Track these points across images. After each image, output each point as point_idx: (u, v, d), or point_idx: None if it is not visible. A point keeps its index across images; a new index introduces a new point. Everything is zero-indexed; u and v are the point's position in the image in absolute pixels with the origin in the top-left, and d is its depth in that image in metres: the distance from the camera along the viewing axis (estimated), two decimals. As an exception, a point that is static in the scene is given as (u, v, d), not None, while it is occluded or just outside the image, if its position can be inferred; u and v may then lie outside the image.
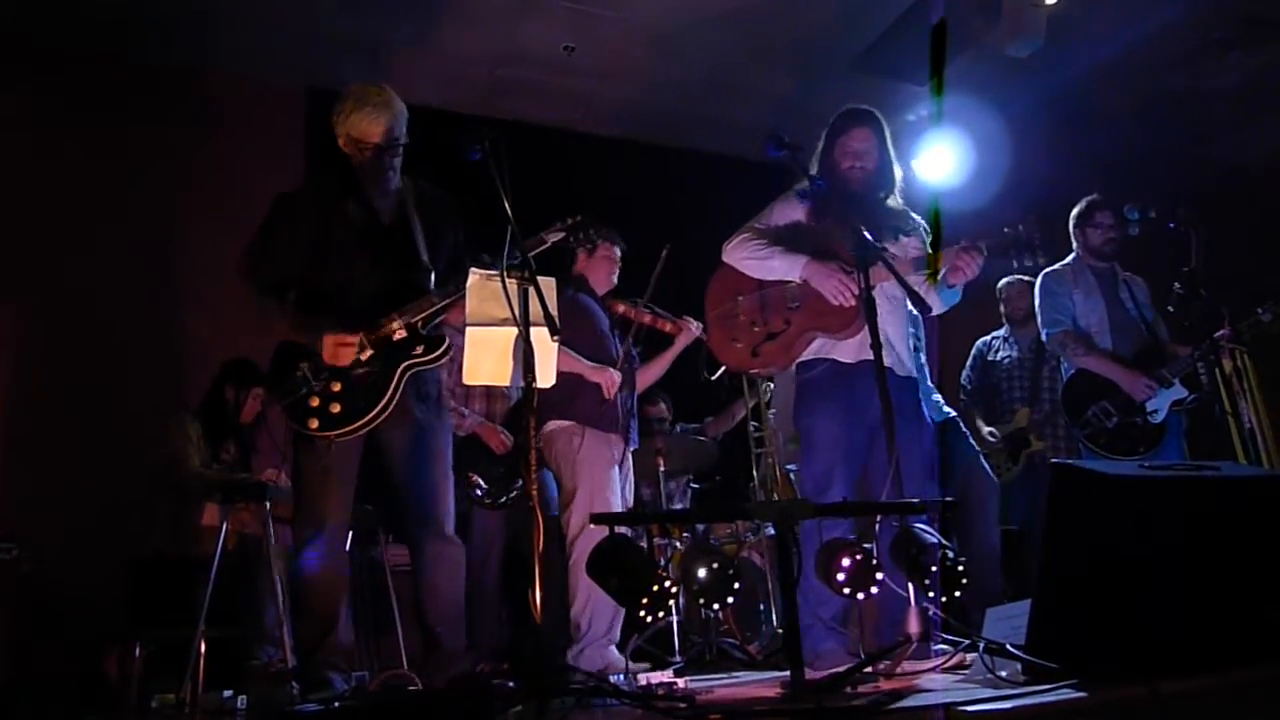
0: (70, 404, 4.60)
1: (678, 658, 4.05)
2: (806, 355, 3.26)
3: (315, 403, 2.92)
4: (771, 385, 4.85)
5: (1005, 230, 3.21)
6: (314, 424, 2.91)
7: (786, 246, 3.22)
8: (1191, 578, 2.38)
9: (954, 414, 4.04)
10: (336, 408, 2.92)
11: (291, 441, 3.04)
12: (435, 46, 5.34)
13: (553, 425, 3.59)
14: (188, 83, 5.21)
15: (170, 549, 3.85)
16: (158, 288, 4.88)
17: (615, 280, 4.00)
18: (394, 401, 2.95)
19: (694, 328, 3.92)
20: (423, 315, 2.99)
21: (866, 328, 2.87)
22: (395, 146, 3.07)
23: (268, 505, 3.62)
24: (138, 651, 3.65)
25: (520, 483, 4.38)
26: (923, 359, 3.74)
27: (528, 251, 2.82)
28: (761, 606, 4.35)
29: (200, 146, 5.18)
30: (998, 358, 4.81)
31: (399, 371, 2.98)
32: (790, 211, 3.28)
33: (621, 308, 4.03)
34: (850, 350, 3.13)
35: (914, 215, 3.41)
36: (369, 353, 2.96)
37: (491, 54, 5.45)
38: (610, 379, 3.70)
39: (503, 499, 4.26)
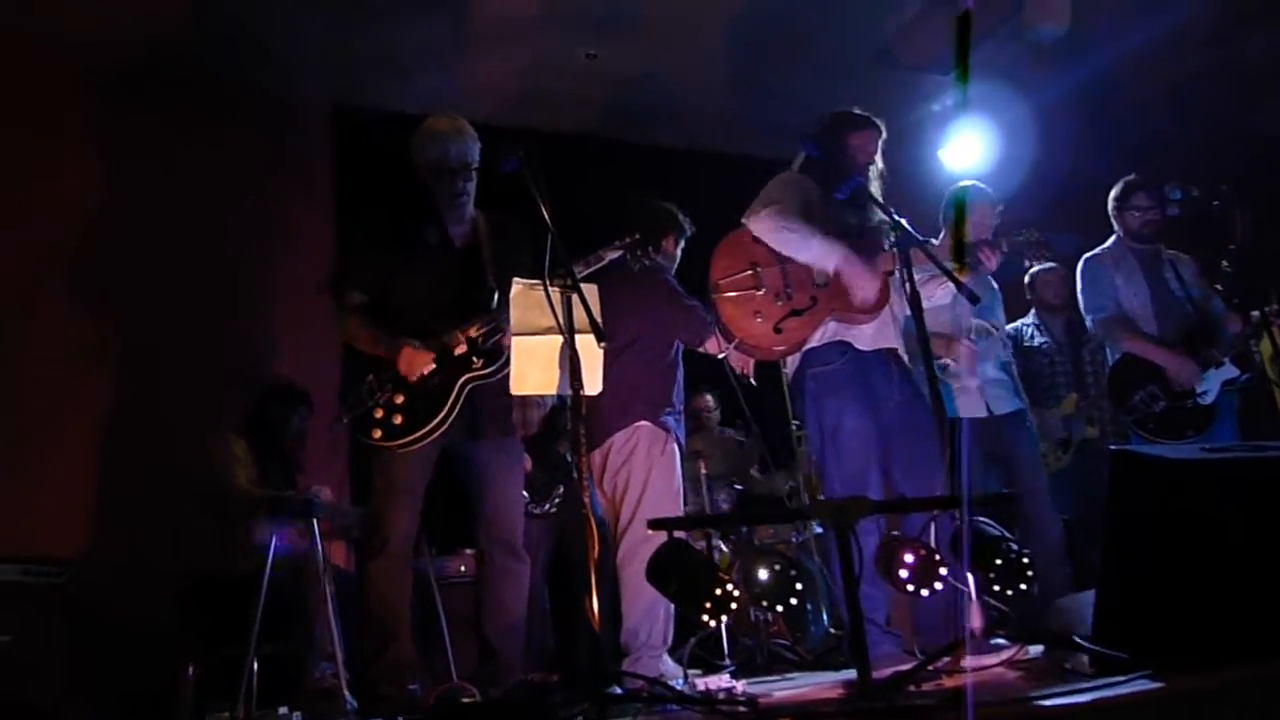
0: (117, 426, 4.64)
1: (729, 661, 4.02)
2: (816, 341, 3.16)
3: (379, 414, 3.03)
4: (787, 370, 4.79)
5: (1023, 234, 3.32)
6: (377, 434, 3.03)
7: (822, 230, 3.14)
8: (1258, 561, 2.33)
9: (1021, 406, 4.00)
10: (399, 419, 3.03)
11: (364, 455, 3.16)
12: (458, 60, 5.35)
13: (640, 424, 3.40)
14: (217, 99, 5.23)
15: (220, 568, 3.86)
16: (200, 306, 4.91)
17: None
18: (454, 414, 3.05)
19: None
20: (482, 331, 3.08)
21: (887, 315, 2.84)
22: (466, 170, 3.21)
23: (315, 521, 3.62)
24: (190, 671, 3.68)
25: (562, 490, 4.40)
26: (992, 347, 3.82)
27: (588, 268, 2.99)
28: (809, 607, 4.31)
29: (231, 164, 5.20)
30: (1035, 344, 4.75)
31: (459, 384, 3.07)
32: (804, 192, 3.22)
33: None
34: (866, 337, 3.08)
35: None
36: (431, 367, 3.07)
37: (515, 65, 5.45)
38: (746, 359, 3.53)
39: (545, 506, 4.28)
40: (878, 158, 3.34)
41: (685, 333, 3.55)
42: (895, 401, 3.08)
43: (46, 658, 3.62)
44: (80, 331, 4.73)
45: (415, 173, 3.31)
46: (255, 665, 3.46)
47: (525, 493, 4.04)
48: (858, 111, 3.38)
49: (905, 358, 3.29)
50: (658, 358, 3.51)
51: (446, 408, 3.04)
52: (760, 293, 3.15)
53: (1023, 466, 3.83)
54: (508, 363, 3.03)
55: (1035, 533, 3.71)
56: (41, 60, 4.85)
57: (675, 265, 3.82)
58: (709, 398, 5.32)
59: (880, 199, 3.22)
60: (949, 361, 3.83)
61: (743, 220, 3.25)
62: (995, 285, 4.03)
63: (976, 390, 3.85)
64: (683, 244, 3.84)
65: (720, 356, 3.47)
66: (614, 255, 3.16)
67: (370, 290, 3.20)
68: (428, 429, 3.03)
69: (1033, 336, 4.78)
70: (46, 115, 4.88)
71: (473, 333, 3.09)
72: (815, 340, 3.17)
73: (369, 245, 3.30)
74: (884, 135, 3.38)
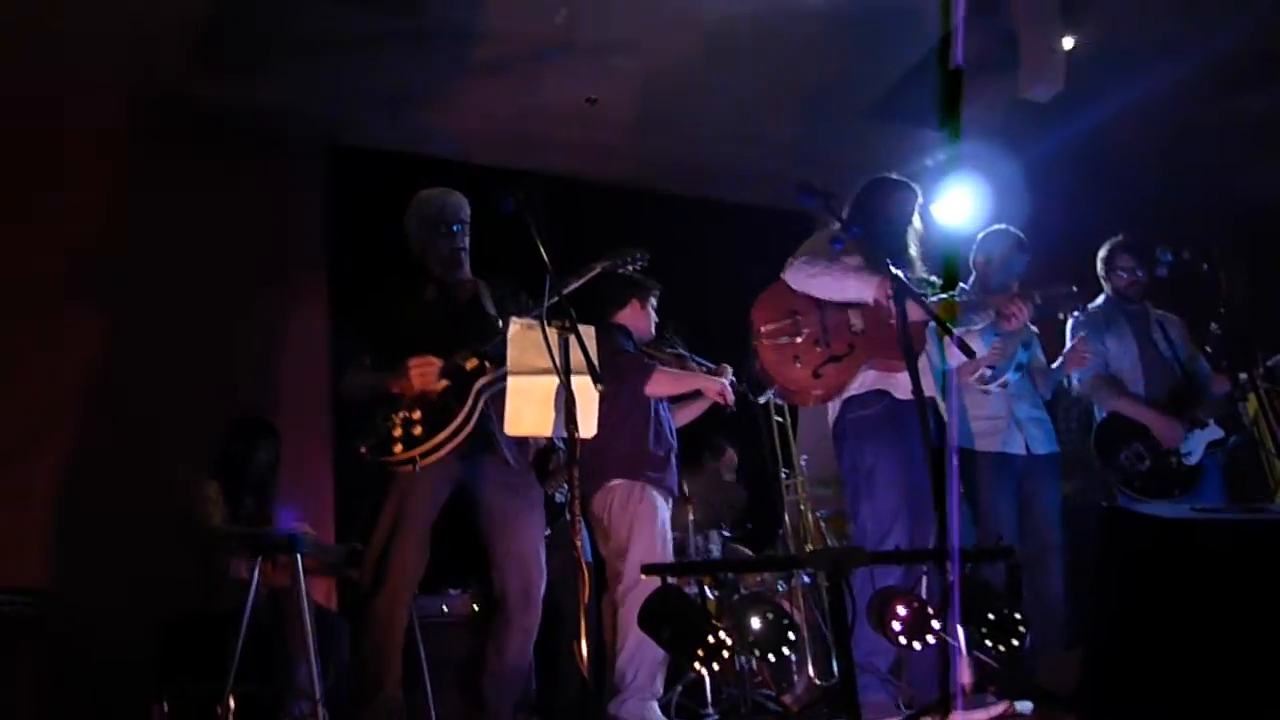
0: (95, 460, 4.59)
1: (712, 711, 3.98)
2: (856, 389, 3.27)
3: (398, 432, 2.99)
4: (779, 419, 4.81)
5: (1059, 289, 3.47)
6: (398, 450, 2.98)
7: (855, 266, 3.24)
8: (1248, 621, 2.33)
9: (1057, 450, 4.00)
10: (418, 430, 2.99)
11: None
12: (455, 101, 5.39)
13: (616, 482, 3.55)
14: (211, 138, 5.25)
15: (200, 605, 3.81)
16: (180, 345, 4.88)
17: (654, 331, 3.99)
18: (472, 420, 3.02)
19: (729, 373, 3.89)
20: (489, 345, 3.08)
21: (924, 364, 2.91)
22: (460, 224, 3.31)
23: (299, 558, 3.57)
24: (166, 709, 3.61)
25: (549, 532, 4.36)
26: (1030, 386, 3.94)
27: (577, 280, 3.05)
28: (794, 657, 4.27)
29: (222, 201, 5.20)
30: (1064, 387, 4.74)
31: (474, 390, 3.05)
32: (829, 253, 3.32)
33: (666, 360, 3.98)
34: (904, 386, 3.11)
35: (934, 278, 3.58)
36: (444, 383, 3.04)
37: (513, 107, 5.50)
38: (724, 387, 3.71)
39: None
40: (915, 219, 3.49)
41: (626, 378, 3.63)
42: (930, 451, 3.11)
43: (16, 689, 3.55)
44: (61, 365, 4.70)
45: (409, 250, 3.37)
46: (232, 703, 3.39)
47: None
48: (895, 176, 3.54)
49: (943, 408, 3.35)
50: (625, 412, 3.59)
51: (464, 412, 3.01)
52: (799, 339, 3.26)
53: (1045, 515, 3.82)
54: None
55: (1039, 585, 3.70)
56: (41, 108, 4.87)
57: (651, 325, 3.93)
58: (731, 453, 5.35)
59: (918, 257, 3.42)
60: (986, 370, 3.82)
61: (781, 275, 3.36)
62: (1034, 327, 4.06)
63: (1014, 426, 3.85)
64: (653, 302, 3.96)
65: (761, 402, 3.63)
66: (601, 267, 3.19)
67: (375, 361, 3.18)
68: (449, 432, 2.98)
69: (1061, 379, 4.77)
70: (42, 157, 4.89)
71: (482, 350, 3.09)
72: (855, 388, 3.27)
73: (369, 314, 3.32)
74: (920, 198, 3.52)
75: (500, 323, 3.07)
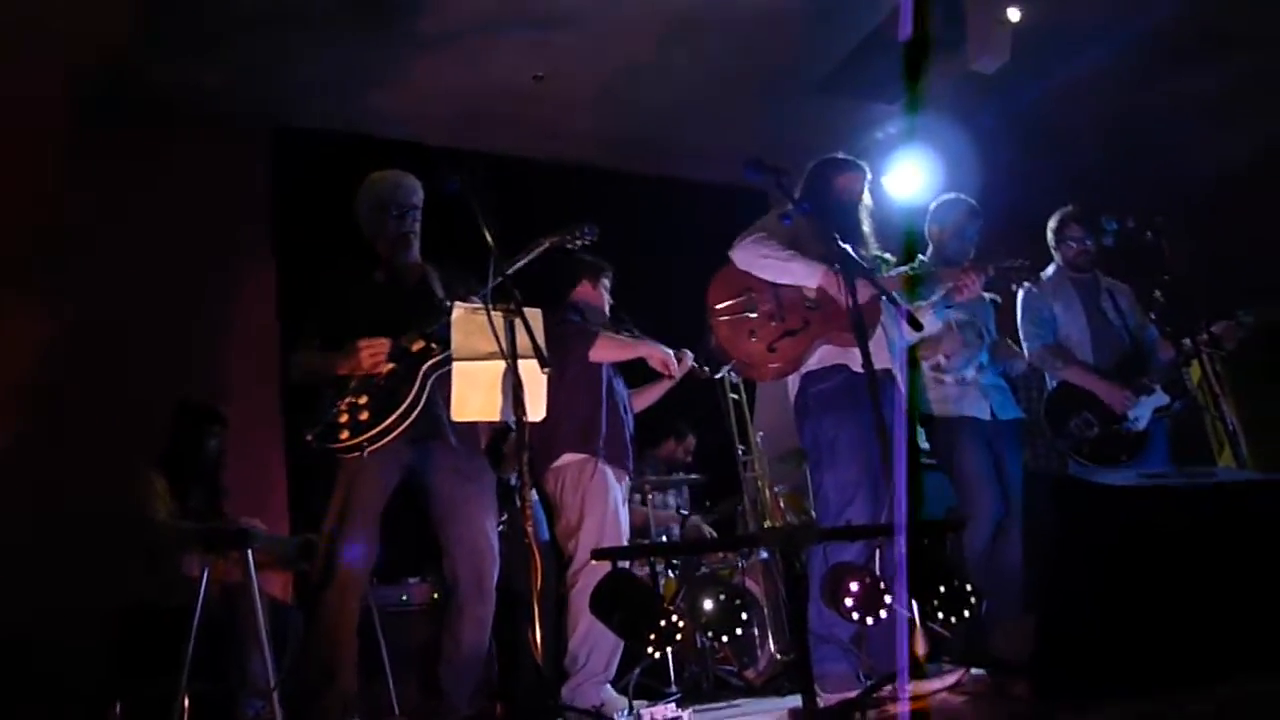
0: (47, 453, 4.46)
1: (674, 688, 3.99)
2: (814, 365, 3.31)
3: (344, 419, 2.95)
4: (734, 396, 4.81)
5: (1011, 262, 3.50)
6: (344, 436, 2.94)
7: (803, 252, 3.28)
8: (1197, 584, 2.37)
9: (1020, 415, 4.02)
10: (364, 415, 2.95)
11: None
12: (403, 81, 5.29)
13: (567, 458, 3.49)
14: (153, 121, 5.10)
15: (150, 601, 3.72)
16: (125, 333, 4.75)
17: (607, 312, 3.96)
18: (419, 404, 2.98)
19: (689, 359, 3.87)
20: (435, 327, 3.03)
21: (881, 337, 2.95)
22: (412, 208, 3.27)
23: (250, 552, 3.51)
24: (118, 709, 3.54)
25: (505, 516, 4.33)
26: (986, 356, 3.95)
27: (526, 255, 3.06)
28: (756, 631, 4.30)
29: (166, 188, 5.07)
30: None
31: (421, 373, 3.02)
32: (791, 224, 3.34)
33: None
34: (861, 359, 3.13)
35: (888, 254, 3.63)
36: (391, 366, 3.01)
37: (460, 86, 5.41)
38: (668, 355, 3.68)
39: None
40: (866, 196, 3.54)
41: (569, 347, 3.60)
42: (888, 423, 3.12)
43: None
44: (4, 357, 4.57)
45: (358, 233, 3.34)
46: (186, 702, 3.33)
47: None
48: (842, 156, 3.57)
49: (900, 379, 3.37)
50: (575, 387, 3.55)
51: (411, 396, 2.97)
52: (754, 315, 3.30)
53: (1009, 482, 3.84)
54: None
55: (999, 552, 3.73)
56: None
57: (605, 305, 3.90)
58: (691, 438, 5.34)
59: (871, 234, 3.48)
60: (941, 358, 3.86)
61: (729, 253, 3.38)
62: (987, 296, 4.08)
63: (979, 391, 3.87)
64: (606, 282, 3.93)
65: (718, 377, 3.70)
66: (549, 243, 3.18)
67: (323, 343, 3.13)
68: (395, 417, 2.94)
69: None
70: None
71: (428, 331, 3.05)
72: (813, 364, 3.31)
73: (317, 297, 3.27)
74: (869, 176, 3.57)
75: (447, 305, 3.02)
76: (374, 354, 2.98)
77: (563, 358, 3.48)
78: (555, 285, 3.82)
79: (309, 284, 3.43)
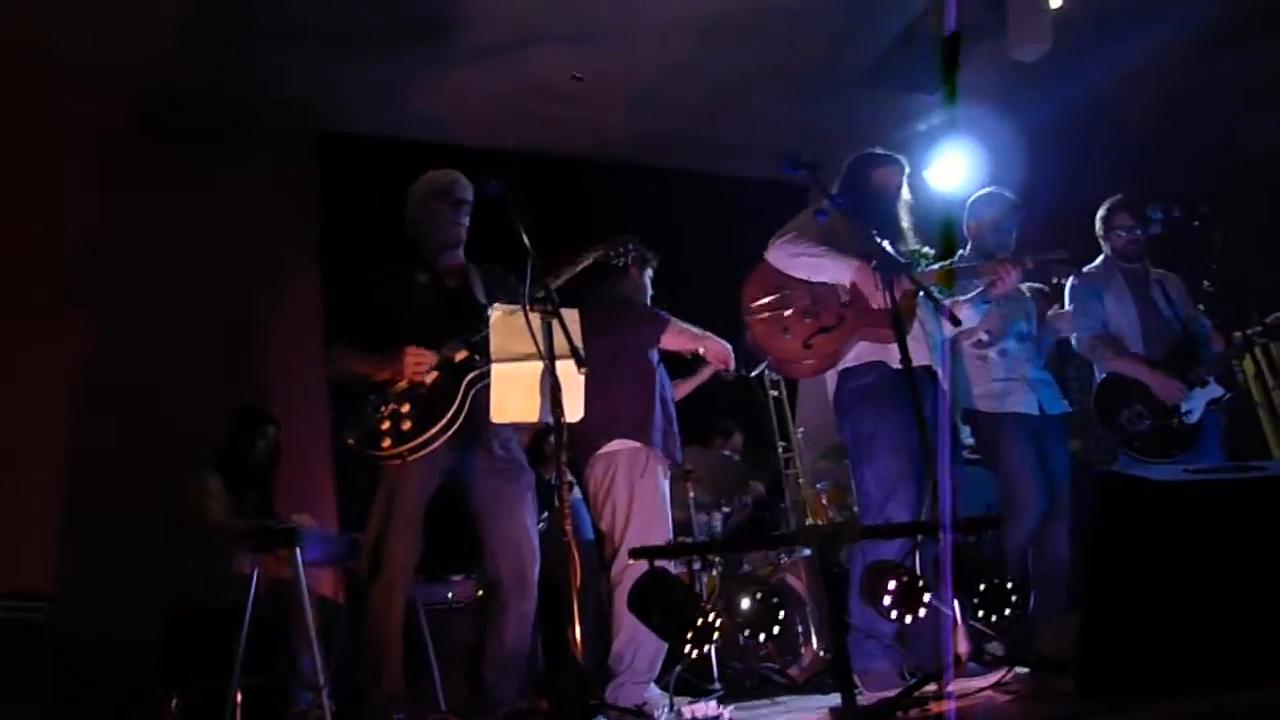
0: (96, 459, 4.60)
1: (717, 685, 3.99)
2: (851, 361, 3.29)
3: (386, 425, 2.98)
4: (774, 394, 4.80)
5: (1052, 255, 3.47)
6: (386, 444, 2.96)
7: (836, 249, 3.26)
8: (1245, 582, 2.32)
9: (1068, 409, 3.97)
10: (407, 425, 2.97)
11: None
12: (445, 84, 5.36)
13: (620, 444, 3.41)
14: (204, 128, 5.23)
15: (203, 600, 3.83)
16: (177, 338, 4.88)
17: (648, 302, 3.87)
18: (462, 414, 3.00)
19: (727, 349, 3.85)
20: (480, 336, 3.02)
21: (919, 332, 2.95)
22: (465, 203, 3.27)
23: (299, 550, 3.58)
24: (174, 704, 3.64)
25: (546, 514, 4.36)
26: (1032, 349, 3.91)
27: (571, 269, 3.06)
28: (800, 628, 4.29)
29: (212, 193, 5.20)
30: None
31: (464, 384, 3.04)
32: (827, 221, 3.33)
33: None
34: (899, 356, 3.10)
35: (926, 249, 3.57)
36: (435, 375, 3.03)
37: (501, 87, 5.46)
38: (727, 350, 3.63)
39: (532, 531, 4.21)
40: (904, 189, 3.50)
41: (639, 330, 3.58)
42: (927, 417, 3.09)
43: (28, 695, 3.57)
44: (57, 362, 4.71)
45: (403, 227, 3.35)
46: (239, 697, 3.41)
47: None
48: (879, 150, 3.53)
49: (940, 375, 3.35)
50: (630, 373, 3.49)
51: (454, 407, 2.99)
52: (788, 312, 3.29)
53: (1057, 476, 3.79)
54: None
55: (1047, 547, 3.69)
56: (33, 93, 4.86)
57: (648, 295, 3.83)
58: (739, 436, 5.34)
59: (910, 228, 3.44)
60: (983, 334, 3.81)
61: (764, 253, 3.37)
62: (1027, 292, 4.03)
63: (1027, 386, 3.83)
64: (650, 273, 3.84)
65: (753, 375, 3.65)
66: (594, 257, 3.19)
67: (363, 339, 3.14)
68: (438, 429, 2.96)
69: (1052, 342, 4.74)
70: (30, 151, 4.87)
71: (473, 340, 3.06)
72: (850, 360, 3.30)
73: (359, 295, 3.28)
74: (907, 169, 3.52)
75: (489, 312, 3.04)
76: (419, 363, 3.00)
77: (622, 342, 3.48)
78: (604, 271, 3.77)
79: (351, 283, 3.38)
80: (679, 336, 3.60)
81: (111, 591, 4.17)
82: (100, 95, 4.99)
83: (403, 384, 3.02)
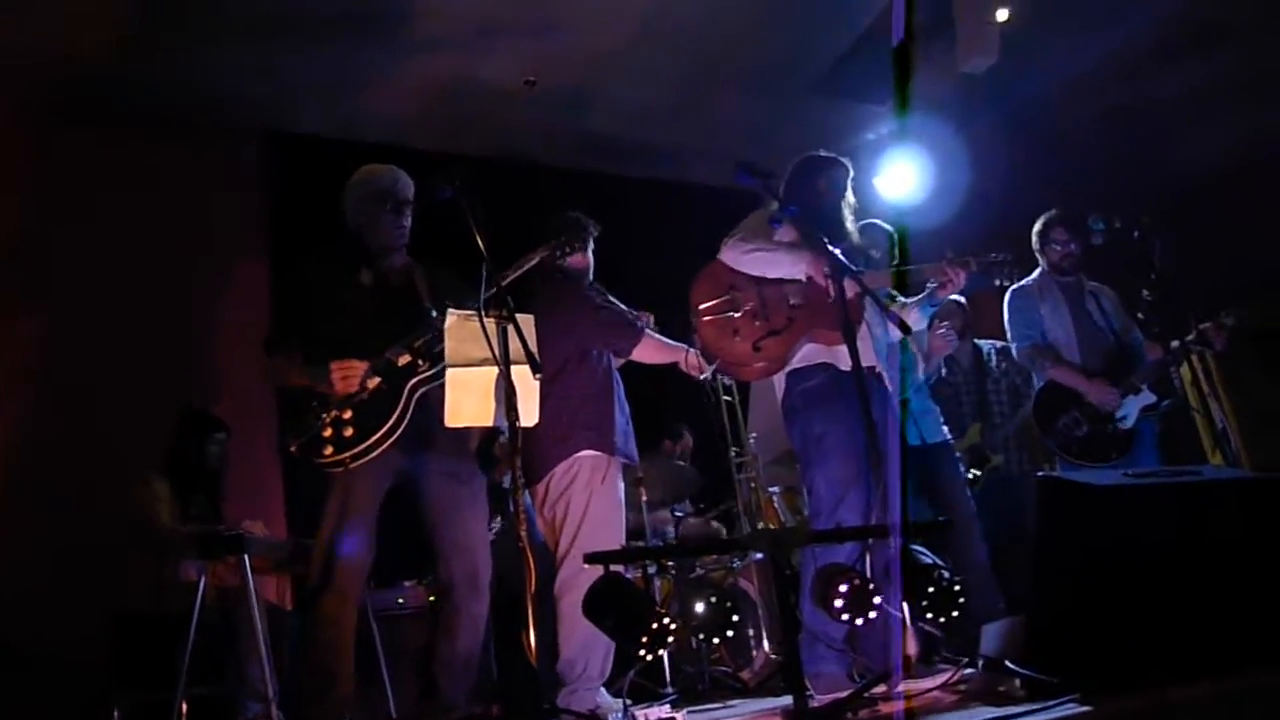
0: (43, 459, 4.47)
1: (670, 689, 4.01)
2: (799, 363, 3.28)
3: (328, 433, 2.94)
4: (728, 398, 4.81)
5: (994, 256, 3.42)
6: (328, 451, 2.93)
7: (787, 243, 3.26)
8: (1184, 582, 2.40)
9: (949, 437, 4.06)
10: (349, 431, 2.94)
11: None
12: (395, 84, 5.31)
13: (585, 454, 3.36)
14: (145, 123, 5.13)
15: (148, 607, 3.75)
16: (121, 338, 4.77)
17: (590, 276, 3.78)
18: (405, 419, 2.97)
19: (650, 323, 3.71)
20: (423, 340, 3.03)
21: (865, 334, 2.95)
22: (407, 203, 3.24)
23: (247, 558, 3.53)
24: (116, 714, 3.56)
25: (499, 520, 4.34)
26: (920, 377, 3.89)
27: (516, 271, 3.05)
28: (751, 632, 4.33)
29: (160, 191, 5.09)
30: (941, 375, 4.79)
31: (407, 389, 3.01)
32: (766, 232, 3.32)
33: None
34: (847, 357, 3.12)
35: (873, 252, 3.62)
36: (375, 380, 2.99)
37: (452, 89, 5.43)
38: (700, 358, 3.50)
39: (484, 537, 4.19)
40: (849, 194, 3.50)
41: (611, 339, 3.53)
42: (876, 420, 3.11)
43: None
44: (5, 361, 4.58)
45: (344, 223, 3.30)
46: (184, 706, 3.36)
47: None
48: (824, 153, 3.53)
49: (886, 378, 3.37)
50: (592, 378, 3.46)
51: (397, 413, 2.96)
52: (738, 314, 3.26)
53: (954, 493, 3.87)
54: None
55: (966, 559, 3.76)
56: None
57: (590, 271, 3.74)
58: (689, 438, 5.35)
59: (854, 231, 3.43)
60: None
61: (718, 254, 3.35)
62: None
63: (910, 419, 3.89)
64: (591, 247, 3.74)
65: (701, 378, 3.55)
66: (540, 256, 3.18)
67: (305, 343, 3.11)
68: (380, 435, 2.94)
69: (939, 367, 4.84)
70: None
71: (415, 344, 3.03)
72: (798, 361, 3.28)
73: (300, 297, 3.22)
74: (852, 173, 3.52)
75: (434, 314, 3.02)
76: (346, 376, 2.95)
77: (586, 348, 3.45)
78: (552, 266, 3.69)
79: (293, 285, 3.33)
80: (654, 350, 3.53)
81: (57, 596, 4.06)
82: (41, 83, 4.86)
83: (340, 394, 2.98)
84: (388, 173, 3.29)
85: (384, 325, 3.06)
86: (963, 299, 4.19)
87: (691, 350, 3.54)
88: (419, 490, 3.10)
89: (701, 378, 3.70)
